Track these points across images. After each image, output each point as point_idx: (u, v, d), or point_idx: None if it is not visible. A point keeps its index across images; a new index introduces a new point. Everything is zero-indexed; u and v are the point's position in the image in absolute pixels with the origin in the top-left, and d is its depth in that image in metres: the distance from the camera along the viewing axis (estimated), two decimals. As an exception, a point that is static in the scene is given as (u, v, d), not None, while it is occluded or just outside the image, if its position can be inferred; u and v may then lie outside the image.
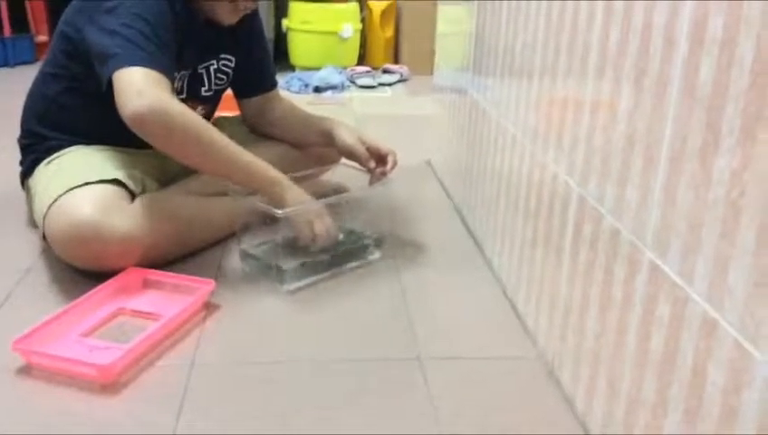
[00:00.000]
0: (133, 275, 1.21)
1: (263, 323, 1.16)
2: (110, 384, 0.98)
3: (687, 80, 0.69)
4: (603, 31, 0.88)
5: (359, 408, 0.96)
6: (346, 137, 1.47)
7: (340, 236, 1.34)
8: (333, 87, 2.98)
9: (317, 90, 2.95)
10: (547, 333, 1.06)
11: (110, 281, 1.18)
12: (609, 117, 0.86)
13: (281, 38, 3.34)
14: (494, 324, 1.18)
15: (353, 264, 1.37)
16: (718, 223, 0.64)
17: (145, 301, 1.18)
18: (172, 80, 1.25)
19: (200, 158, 1.23)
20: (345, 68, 3.19)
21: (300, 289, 1.27)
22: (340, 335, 1.13)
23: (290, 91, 2.92)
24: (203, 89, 1.47)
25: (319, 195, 1.39)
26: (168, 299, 1.17)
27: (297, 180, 1.47)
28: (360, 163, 1.45)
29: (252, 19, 1.55)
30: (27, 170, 1.41)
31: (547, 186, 1.07)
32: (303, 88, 2.97)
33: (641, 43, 0.78)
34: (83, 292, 1.15)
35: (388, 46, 3.45)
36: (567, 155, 0.99)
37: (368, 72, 3.18)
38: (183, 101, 1.35)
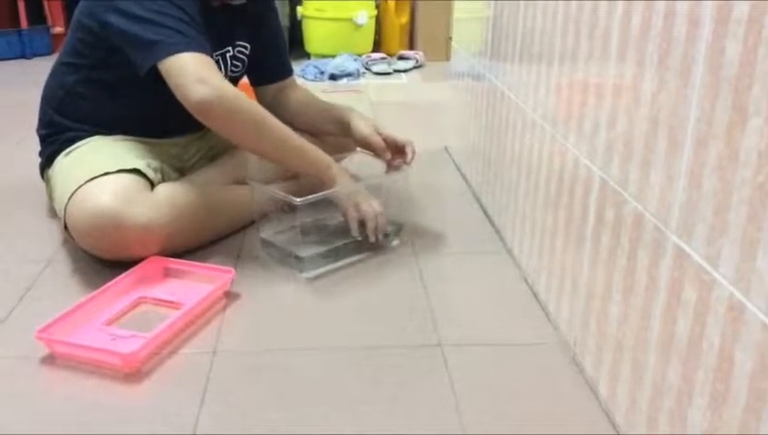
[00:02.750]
0: (154, 265, 1.22)
1: (282, 311, 1.17)
2: (133, 373, 0.99)
3: (712, 60, 0.68)
4: (625, 13, 0.87)
5: (379, 394, 0.96)
6: (362, 127, 1.46)
7: (389, 229, 1.36)
8: (349, 74, 2.97)
9: (332, 77, 2.94)
10: (569, 319, 1.06)
11: (132, 270, 1.19)
12: (632, 100, 0.85)
13: (296, 26, 3.33)
14: (514, 311, 1.17)
15: (372, 251, 1.37)
16: (745, 205, 0.62)
17: (166, 290, 1.18)
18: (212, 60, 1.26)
19: (258, 142, 1.27)
20: (360, 55, 3.17)
21: (319, 277, 1.27)
22: (359, 322, 1.13)
23: (305, 79, 2.92)
24: (231, 66, 1.47)
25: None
26: (189, 288, 1.17)
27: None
28: (376, 154, 1.45)
29: (266, 6, 1.54)
30: (46, 161, 1.42)
31: (568, 171, 1.06)
32: (319, 75, 2.96)
33: (664, 24, 0.77)
34: (105, 281, 1.16)
35: (404, 32, 3.43)
36: (588, 139, 0.98)
37: (383, 58, 3.16)
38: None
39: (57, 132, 1.41)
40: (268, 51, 1.57)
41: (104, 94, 1.36)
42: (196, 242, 1.33)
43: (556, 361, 1.03)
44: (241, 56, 1.49)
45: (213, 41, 1.40)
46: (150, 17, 1.21)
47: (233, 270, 1.21)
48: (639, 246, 0.82)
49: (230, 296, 1.19)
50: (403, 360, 1.03)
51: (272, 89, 1.62)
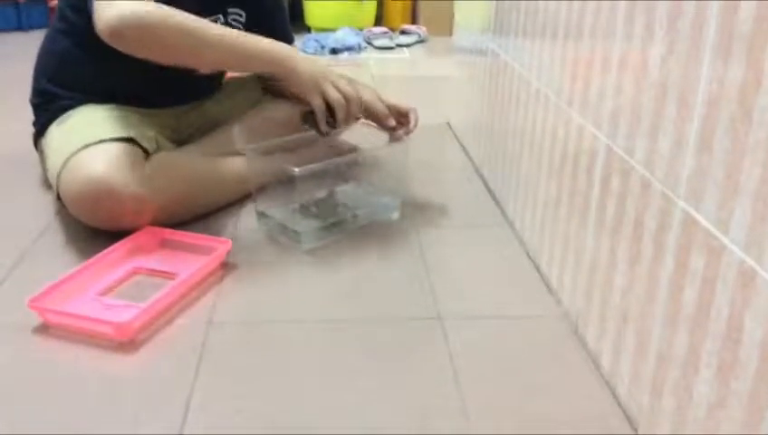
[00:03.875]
0: (149, 235, 1.20)
1: (280, 283, 1.15)
2: (127, 342, 0.97)
3: (725, 19, 0.65)
4: (634, -28, 0.84)
5: (377, 366, 0.94)
6: (366, 94, 1.43)
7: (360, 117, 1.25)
8: (350, 48, 2.94)
9: (333, 51, 2.91)
10: (572, 291, 1.04)
11: (126, 240, 1.17)
12: (640, 65, 0.82)
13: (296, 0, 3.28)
14: (515, 284, 1.15)
15: (371, 224, 1.34)
16: (758, 167, 0.60)
17: (161, 260, 1.16)
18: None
19: (192, 50, 1.18)
20: (362, 29, 3.13)
21: (317, 249, 1.25)
22: (358, 295, 1.11)
23: (306, 53, 2.88)
24: None
25: (335, 154, 1.36)
26: (184, 258, 1.15)
27: (311, 141, 1.44)
28: (380, 121, 1.40)
29: None
30: (40, 130, 1.40)
31: (573, 140, 1.03)
32: (320, 50, 2.93)
33: (676, -18, 0.74)
34: (99, 251, 1.14)
35: (406, 7, 3.39)
36: (594, 107, 0.95)
37: (385, 33, 3.12)
38: None
39: (49, 101, 1.38)
40: (266, 20, 1.52)
41: (94, 61, 1.32)
42: (192, 213, 1.31)
43: (558, 333, 1.02)
44: (235, 24, 1.46)
45: (200, 5, 1.35)
46: None
47: (230, 241, 1.18)
48: (646, 215, 0.80)
49: (227, 267, 1.17)
50: (402, 332, 1.02)
51: None
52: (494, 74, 1.49)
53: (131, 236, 1.18)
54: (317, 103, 1.18)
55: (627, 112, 0.85)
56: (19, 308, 1.00)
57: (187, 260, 1.14)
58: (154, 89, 1.38)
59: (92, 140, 1.20)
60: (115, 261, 1.13)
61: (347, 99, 1.19)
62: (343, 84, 1.19)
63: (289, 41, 1.59)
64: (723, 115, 0.65)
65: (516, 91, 1.33)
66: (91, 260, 1.11)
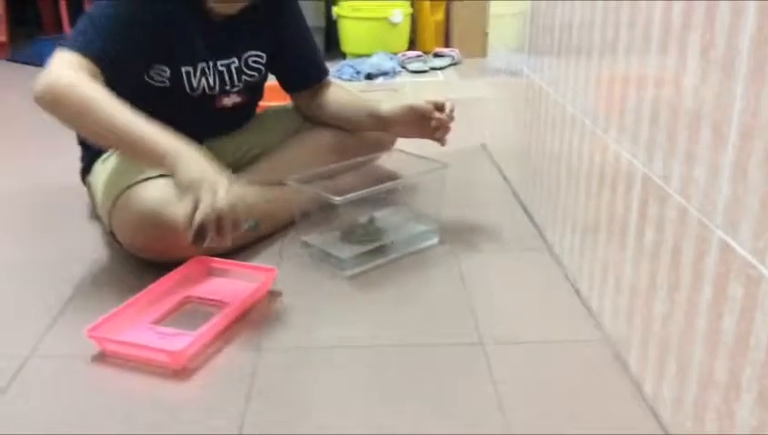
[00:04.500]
0: (198, 264, 1.24)
1: (324, 309, 1.18)
2: (180, 370, 1.01)
3: (757, 51, 0.67)
4: (666, 3, 0.86)
5: (422, 391, 0.96)
6: (399, 104, 1.45)
7: (247, 225, 1.14)
8: (385, 73, 2.98)
9: (369, 77, 2.95)
10: (612, 316, 1.05)
11: (177, 270, 1.22)
12: (674, 93, 0.84)
13: (331, 26, 3.34)
14: (556, 308, 1.17)
15: (411, 250, 1.37)
16: (794, 199, 0.61)
17: (211, 289, 1.21)
18: (105, 64, 1.22)
19: (83, 129, 1.21)
20: (396, 53, 3.18)
21: (359, 275, 1.28)
22: (400, 320, 1.14)
23: (341, 79, 2.93)
24: (230, 84, 1.46)
25: (376, 181, 1.39)
26: (233, 287, 1.19)
27: (349, 168, 1.48)
28: (425, 114, 1.43)
29: (283, 10, 1.51)
30: (86, 167, 1.46)
31: (610, 166, 1.05)
32: (355, 75, 2.97)
33: (707, 14, 0.76)
34: (149, 281, 1.18)
35: (439, 30, 3.42)
36: (630, 133, 0.97)
37: (419, 56, 3.16)
38: (214, 94, 1.41)
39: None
40: (292, 58, 1.55)
41: (131, 99, 1.37)
42: (239, 242, 1.35)
43: (600, 358, 1.03)
44: (255, 65, 1.49)
45: (208, 50, 1.39)
46: (89, 14, 1.26)
47: (275, 269, 1.22)
48: (684, 242, 0.81)
49: (273, 295, 1.21)
50: (445, 357, 1.04)
51: (306, 93, 1.61)
52: (530, 98, 1.52)
53: (181, 267, 1.22)
54: (188, 210, 1.09)
55: (662, 140, 0.87)
56: (77, 337, 1.05)
57: (235, 288, 1.18)
58: (185, 128, 1.42)
59: (139, 178, 1.25)
60: (166, 291, 1.18)
61: (219, 215, 1.08)
62: (221, 198, 1.08)
63: (320, 74, 1.62)
64: (757, 145, 0.67)
65: (552, 115, 1.35)
66: (144, 291, 1.15)
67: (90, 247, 1.39)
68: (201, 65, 1.40)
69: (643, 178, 0.93)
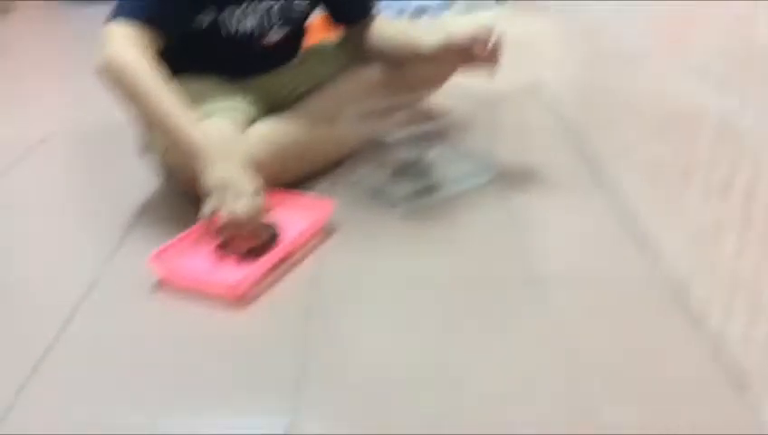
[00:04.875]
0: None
1: (378, 244, 1.18)
2: (238, 301, 1.02)
3: None
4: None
5: (479, 325, 0.97)
6: (439, 36, 1.40)
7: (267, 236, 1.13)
8: (430, 10, 2.91)
9: (415, 14, 2.89)
10: (675, 253, 1.03)
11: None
12: (749, 26, 0.80)
13: (376, -38, 3.27)
14: (615, 245, 1.15)
15: (463, 187, 1.36)
16: None
17: (268, 220, 1.21)
18: (160, 26, 1.22)
19: (135, 113, 1.24)
20: (443, -10, 3.09)
21: (411, 212, 1.28)
22: (454, 256, 1.14)
23: (386, 16, 2.87)
24: (275, 21, 1.43)
25: (424, 118, 1.37)
26: (290, 218, 1.20)
27: (400, 105, 1.45)
28: (464, 49, 1.39)
29: None
30: None
31: (677, 102, 1.01)
32: (399, 14, 2.92)
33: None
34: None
35: (487, -34, 3.32)
36: (702, 67, 0.93)
37: (467, -7, 3.08)
38: (258, 33, 1.39)
39: None
40: None
41: (178, 46, 1.33)
42: (292, 178, 1.35)
43: (662, 296, 1.02)
44: (298, 5, 1.46)
45: None
46: None
47: (331, 202, 1.22)
48: (760, 182, 0.79)
49: (326, 230, 1.21)
50: (501, 293, 1.04)
51: (353, 28, 1.57)
52: (590, 33, 1.47)
53: None
54: (206, 210, 1.12)
55: (735, 74, 0.84)
56: (138, 267, 1.07)
57: (294, 220, 1.18)
58: (229, 65, 1.41)
59: (200, 113, 1.25)
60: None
61: (236, 222, 1.09)
62: (242, 207, 1.10)
63: (364, 10, 1.56)
64: None
65: (615, 51, 1.30)
66: (203, 221, 1.16)
67: (145, 181, 1.41)
68: (245, 4, 1.37)
69: (716, 114, 0.89)
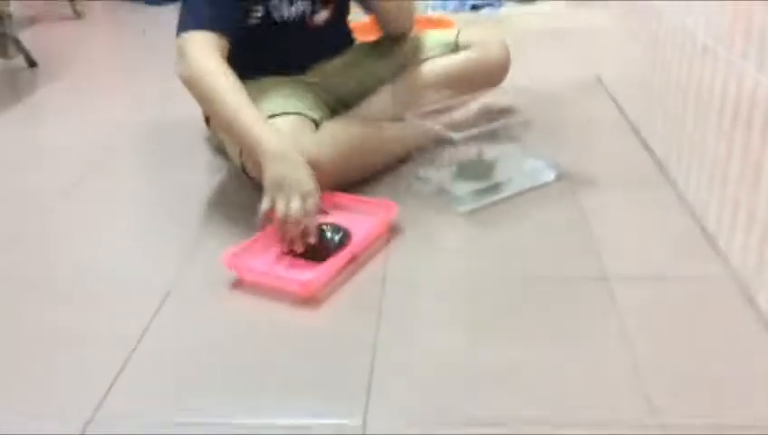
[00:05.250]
0: (325, 199, 1.29)
1: (442, 243, 1.21)
2: (310, 299, 1.06)
3: None
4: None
5: (547, 323, 0.98)
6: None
7: (311, 239, 1.14)
8: (490, 3, 2.91)
9: (474, 7, 2.89)
10: (742, 253, 1.02)
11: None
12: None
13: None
14: (681, 244, 1.15)
15: (528, 186, 1.37)
16: None
17: (337, 222, 1.23)
18: (230, 30, 1.30)
19: (212, 117, 1.35)
20: (502, -18, 3.08)
21: (475, 211, 1.30)
22: (520, 254, 1.16)
23: (445, 10, 2.88)
24: (318, 2, 1.47)
25: (485, 116, 1.38)
26: (357, 220, 1.23)
27: (463, 103, 1.46)
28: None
29: None
30: None
31: (746, 96, 1.00)
32: (460, 6, 2.92)
33: None
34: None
35: (547, -44, 3.28)
36: (773, 64, 0.93)
37: (526, -15, 3.05)
38: (305, 17, 1.45)
39: None
40: None
41: (239, 44, 1.37)
42: (356, 177, 1.38)
43: (728, 295, 1.01)
44: None
45: None
46: None
47: (395, 204, 1.25)
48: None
49: (392, 229, 1.24)
50: (569, 291, 1.05)
51: (374, 5, 1.53)
52: (653, 26, 1.45)
53: None
54: (263, 207, 1.16)
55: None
56: (214, 266, 1.12)
57: (360, 222, 1.22)
58: (285, 58, 1.46)
59: (270, 114, 1.30)
60: None
61: (287, 220, 1.13)
62: (295, 206, 1.13)
63: None
64: None
65: (679, 44, 1.29)
66: (274, 223, 1.21)
67: (214, 179, 1.46)
68: None
69: (787, 112, 0.89)
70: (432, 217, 1.29)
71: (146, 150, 1.68)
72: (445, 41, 1.63)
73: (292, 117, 1.32)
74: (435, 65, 1.58)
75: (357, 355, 0.94)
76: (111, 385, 0.91)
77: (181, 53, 1.27)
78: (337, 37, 1.59)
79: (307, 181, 1.17)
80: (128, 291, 1.13)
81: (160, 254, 1.22)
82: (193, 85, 1.26)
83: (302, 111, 1.36)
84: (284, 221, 1.14)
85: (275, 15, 1.43)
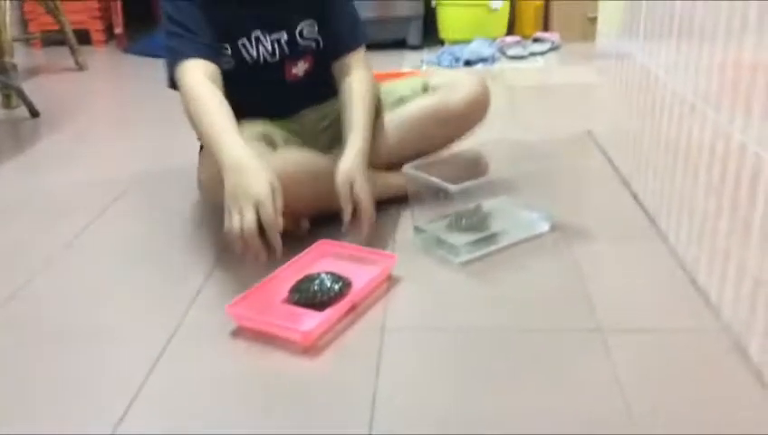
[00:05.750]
0: (325, 248, 1.33)
1: (441, 293, 1.23)
2: (310, 347, 1.08)
3: None
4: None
5: (543, 375, 1.00)
6: (342, 170, 1.33)
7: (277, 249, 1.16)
8: (484, 59, 2.99)
9: (468, 63, 2.97)
10: (733, 305, 1.05)
11: (306, 253, 1.30)
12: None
13: (430, 13, 3.37)
14: (673, 297, 1.18)
15: (522, 237, 1.40)
16: None
17: (337, 271, 1.24)
18: (212, 52, 1.38)
19: (197, 132, 1.35)
20: (494, 39, 3.18)
21: (472, 261, 1.32)
22: (516, 306, 1.18)
23: (441, 66, 2.96)
24: (289, 51, 1.49)
25: (484, 170, 1.42)
26: (356, 270, 1.25)
27: (452, 157, 1.49)
28: (339, 200, 1.33)
29: None
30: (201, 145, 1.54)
31: (733, 156, 1.04)
32: (454, 62, 3.00)
33: None
34: (279, 261, 1.23)
35: (538, 14, 3.39)
36: (758, 123, 0.97)
37: (518, 41, 3.15)
38: (277, 62, 1.48)
39: None
40: (327, 23, 1.50)
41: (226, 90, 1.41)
42: (304, 207, 1.35)
43: (720, 347, 1.04)
44: (310, 35, 1.50)
45: (260, 24, 1.44)
46: (168, 17, 1.39)
47: (395, 256, 1.28)
48: (817, 233, 0.81)
49: (391, 279, 1.27)
50: (563, 342, 1.07)
51: (336, 66, 1.51)
52: (643, 84, 1.51)
53: (309, 250, 1.31)
54: (225, 224, 1.18)
55: (794, 132, 0.87)
56: (218, 313, 1.14)
57: (359, 272, 1.25)
58: (267, 107, 1.49)
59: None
60: (297, 272, 1.25)
61: (242, 233, 1.15)
62: (249, 217, 1.14)
63: (345, 45, 1.51)
64: None
65: (669, 103, 1.34)
66: (277, 270, 1.24)
67: (220, 228, 1.48)
68: (255, 34, 1.46)
69: (771, 169, 0.92)
70: (430, 267, 1.31)
71: (147, 200, 1.70)
72: (414, 85, 1.63)
73: (252, 141, 1.33)
74: (404, 109, 1.57)
75: (356, 405, 0.95)
76: (115, 428, 0.93)
77: (180, 82, 1.34)
78: (318, 89, 1.56)
79: (258, 188, 1.15)
80: (132, 335, 1.14)
81: (163, 303, 1.24)
82: (187, 111, 1.32)
83: (269, 134, 1.42)
84: (239, 235, 1.14)
85: (245, 56, 1.46)
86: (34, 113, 2.40)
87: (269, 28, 1.47)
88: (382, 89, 1.62)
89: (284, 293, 1.20)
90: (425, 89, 1.61)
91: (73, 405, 0.98)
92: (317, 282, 1.18)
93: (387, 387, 0.99)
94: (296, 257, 1.28)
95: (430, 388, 0.99)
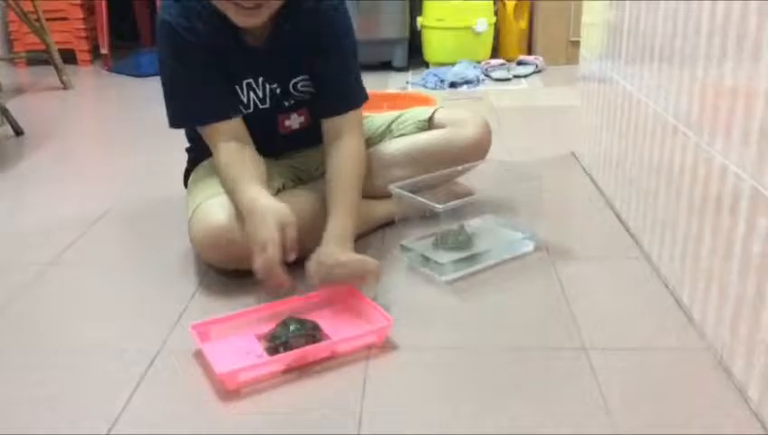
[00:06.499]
0: (339, 294, 1.25)
1: (427, 312, 1.23)
2: (232, 390, 1.02)
3: None
4: (779, 20, 0.87)
5: (529, 394, 1.00)
6: (314, 260, 1.25)
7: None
8: (468, 82, 3.02)
9: (452, 85, 3.00)
10: (716, 324, 1.06)
11: (309, 296, 1.24)
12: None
13: (415, 36, 3.40)
14: (657, 316, 1.19)
15: (507, 256, 1.41)
16: None
17: (326, 320, 1.17)
18: (233, 107, 1.40)
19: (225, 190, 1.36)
20: (479, 62, 3.21)
21: (458, 280, 1.33)
22: (502, 324, 1.18)
23: (426, 88, 2.99)
24: (283, 102, 1.47)
25: (459, 196, 1.43)
26: (345, 321, 1.19)
27: (444, 178, 1.50)
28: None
29: (323, 32, 1.41)
30: (186, 174, 1.56)
31: (715, 179, 1.06)
32: (439, 84, 3.03)
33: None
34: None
35: (522, 38, 3.44)
36: (738, 146, 0.99)
37: (502, 64, 3.19)
38: (270, 110, 1.45)
39: (191, 149, 1.56)
40: (333, 83, 1.44)
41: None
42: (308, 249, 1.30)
43: (704, 365, 1.04)
44: (305, 89, 1.47)
45: (253, 72, 1.41)
46: (170, 80, 1.40)
47: (392, 319, 1.15)
48: (797, 253, 0.83)
49: (376, 296, 1.25)
50: (549, 362, 1.07)
51: (325, 125, 1.44)
52: (625, 107, 1.53)
53: (325, 291, 1.24)
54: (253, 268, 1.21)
55: (774, 153, 0.88)
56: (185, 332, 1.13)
57: (345, 325, 1.17)
58: (265, 143, 1.44)
59: (214, 194, 1.33)
60: (279, 312, 1.18)
61: (259, 274, 1.19)
62: (256, 264, 1.19)
63: (359, 99, 1.47)
64: None
65: (650, 125, 1.36)
66: (261, 306, 1.21)
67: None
68: (247, 81, 1.42)
69: (752, 192, 0.94)
70: (414, 285, 1.32)
71: (132, 221, 1.69)
72: (418, 117, 1.63)
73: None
74: (401, 142, 1.59)
75: (342, 423, 0.95)
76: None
77: (210, 145, 1.38)
78: (317, 139, 1.47)
79: (262, 231, 1.19)
80: (111, 361, 1.12)
81: (146, 323, 1.23)
82: (219, 176, 1.36)
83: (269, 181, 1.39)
84: (261, 277, 1.19)
85: (243, 105, 1.43)
86: (19, 132, 2.39)
87: (264, 77, 1.43)
88: (387, 116, 1.65)
89: (259, 329, 1.15)
90: (430, 120, 1.63)
91: (55, 424, 0.97)
92: (289, 325, 1.11)
93: (372, 406, 0.98)
94: (290, 298, 1.23)
95: (415, 406, 0.98)
